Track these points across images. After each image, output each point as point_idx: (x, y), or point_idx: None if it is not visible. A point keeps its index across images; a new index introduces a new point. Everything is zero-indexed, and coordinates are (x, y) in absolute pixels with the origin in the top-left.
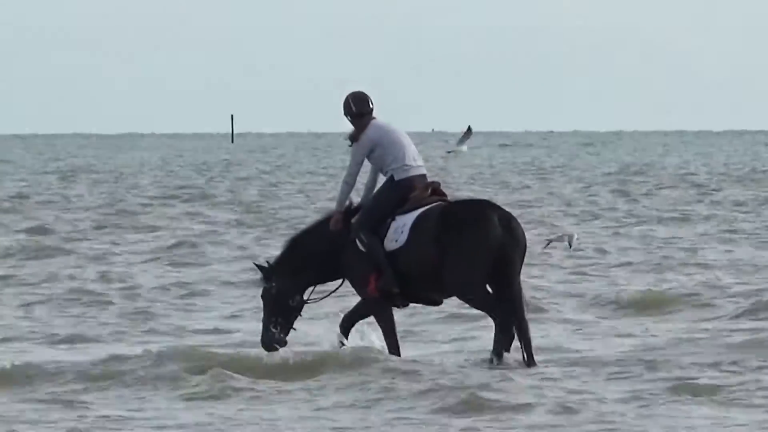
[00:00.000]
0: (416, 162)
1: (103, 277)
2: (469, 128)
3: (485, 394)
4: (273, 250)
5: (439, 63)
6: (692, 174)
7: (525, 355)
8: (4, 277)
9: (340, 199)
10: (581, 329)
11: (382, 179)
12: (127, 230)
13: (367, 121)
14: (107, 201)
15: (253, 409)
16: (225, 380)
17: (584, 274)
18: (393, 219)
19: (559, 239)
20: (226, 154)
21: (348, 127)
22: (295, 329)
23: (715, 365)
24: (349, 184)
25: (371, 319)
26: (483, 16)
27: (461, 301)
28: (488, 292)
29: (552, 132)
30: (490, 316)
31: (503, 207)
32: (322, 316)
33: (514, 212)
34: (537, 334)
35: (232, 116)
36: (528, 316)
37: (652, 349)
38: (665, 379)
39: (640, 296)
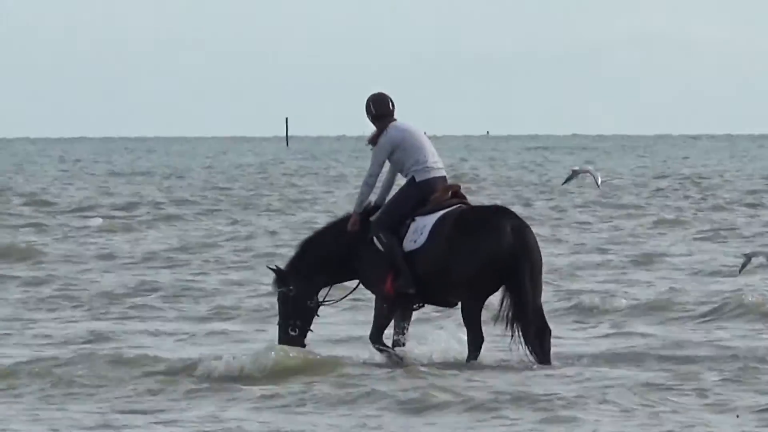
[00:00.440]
0: (437, 164)
1: None
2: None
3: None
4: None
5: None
6: None
7: (537, 355)
8: None
9: (359, 200)
10: None
11: (399, 180)
12: None
13: (388, 122)
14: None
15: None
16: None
17: None
18: (413, 220)
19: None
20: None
21: (371, 129)
22: (312, 330)
23: None
24: (370, 185)
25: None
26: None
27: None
28: (487, 291)
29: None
30: (466, 328)
31: (518, 216)
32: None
33: None
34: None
35: (286, 119)
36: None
37: None
38: None
39: None
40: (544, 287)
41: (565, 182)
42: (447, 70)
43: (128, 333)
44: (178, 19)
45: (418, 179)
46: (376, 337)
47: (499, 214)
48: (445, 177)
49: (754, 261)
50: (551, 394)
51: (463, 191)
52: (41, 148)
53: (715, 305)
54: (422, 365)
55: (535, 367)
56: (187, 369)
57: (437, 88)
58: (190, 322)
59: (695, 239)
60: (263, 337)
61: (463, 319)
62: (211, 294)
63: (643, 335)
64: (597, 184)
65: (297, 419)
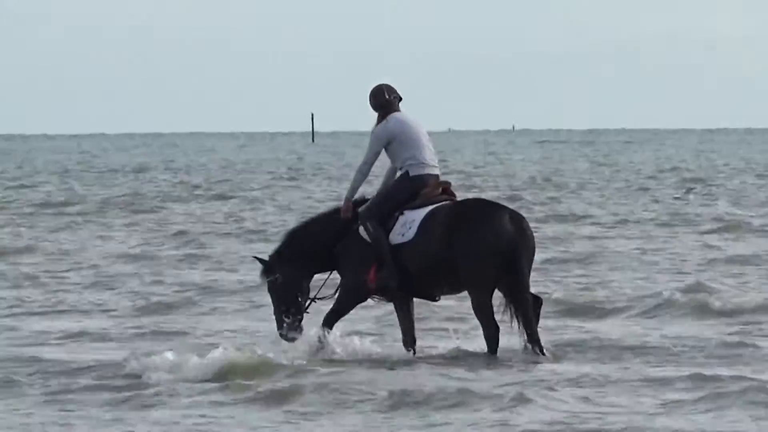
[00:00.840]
0: (432, 161)
1: None
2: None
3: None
4: None
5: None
6: None
7: (533, 347)
8: None
9: (352, 186)
10: None
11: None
12: None
13: (389, 112)
14: None
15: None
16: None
17: None
18: (401, 213)
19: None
20: None
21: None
22: (308, 312)
23: None
24: (363, 173)
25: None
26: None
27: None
28: (495, 280)
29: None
30: (481, 324)
31: (512, 208)
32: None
33: None
34: None
35: (312, 114)
36: None
37: None
38: None
39: None
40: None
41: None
42: (476, 67)
43: None
44: (205, 18)
45: (412, 174)
46: (330, 323)
47: (494, 205)
48: (438, 175)
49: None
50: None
51: (452, 188)
52: (58, 144)
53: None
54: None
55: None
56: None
57: (467, 83)
58: None
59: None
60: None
61: (475, 313)
62: None
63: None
64: None
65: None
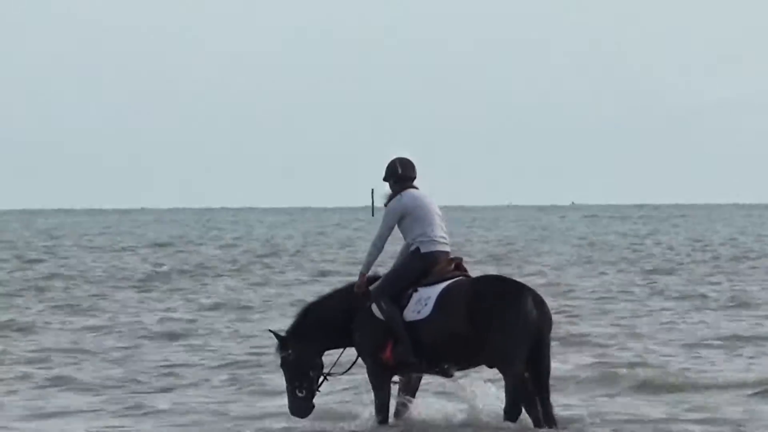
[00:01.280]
0: (443, 238)
1: None
2: None
3: None
4: None
5: None
6: None
7: (547, 420)
8: None
9: (366, 260)
10: None
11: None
12: None
13: (406, 188)
14: None
15: None
16: None
17: None
18: (415, 290)
19: None
20: None
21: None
22: (319, 391)
23: None
24: (378, 247)
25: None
26: None
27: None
28: (521, 357)
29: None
30: (521, 400)
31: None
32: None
33: None
34: None
35: (372, 190)
36: None
37: None
38: None
39: None
40: None
41: None
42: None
43: None
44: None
45: (423, 250)
46: (382, 412)
47: (518, 286)
48: (449, 252)
49: None
50: None
51: (464, 264)
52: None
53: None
54: None
55: None
56: None
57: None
58: None
59: None
60: None
61: (508, 394)
62: None
63: None
64: None
65: None
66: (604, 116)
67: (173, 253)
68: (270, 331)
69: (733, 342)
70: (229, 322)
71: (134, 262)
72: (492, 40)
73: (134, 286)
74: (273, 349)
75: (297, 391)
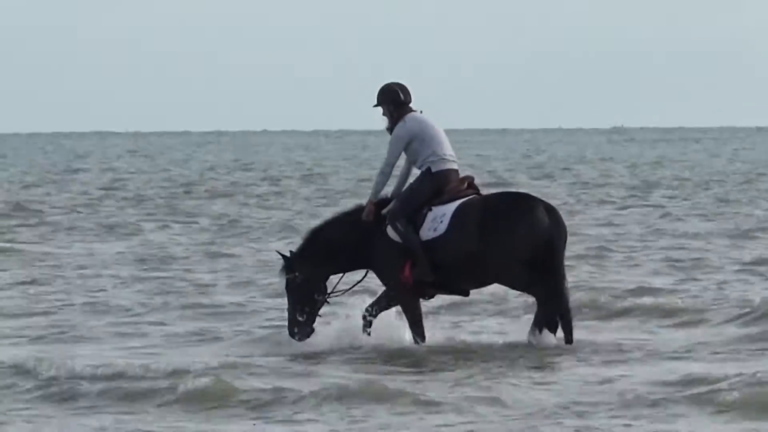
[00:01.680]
0: (452, 156)
1: None
2: None
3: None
4: None
5: None
6: None
7: (564, 334)
8: None
9: (375, 189)
10: None
11: (414, 173)
12: None
13: (406, 112)
14: None
15: None
16: None
17: None
18: (429, 209)
19: None
20: None
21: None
22: (320, 316)
23: None
24: (386, 174)
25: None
26: None
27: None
28: (528, 272)
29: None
30: (531, 293)
31: (544, 199)
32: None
33: None
34: None
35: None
36: None
37: None
38: None
39: None
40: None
41: None
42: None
43: None
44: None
45: (434, 170)
46: (416, 330)
47: (528, 197)
48: (458, 170)
49: None
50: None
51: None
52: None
53: None
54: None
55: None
56: None
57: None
58: None
59: None
60: None
61: (525, 290)
62: None
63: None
64: None
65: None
66: None
67: None
68: (277, 252)
69: None
70: None
71: None
72: None
73: None
74: (277, 270)
75: (298, 315)
